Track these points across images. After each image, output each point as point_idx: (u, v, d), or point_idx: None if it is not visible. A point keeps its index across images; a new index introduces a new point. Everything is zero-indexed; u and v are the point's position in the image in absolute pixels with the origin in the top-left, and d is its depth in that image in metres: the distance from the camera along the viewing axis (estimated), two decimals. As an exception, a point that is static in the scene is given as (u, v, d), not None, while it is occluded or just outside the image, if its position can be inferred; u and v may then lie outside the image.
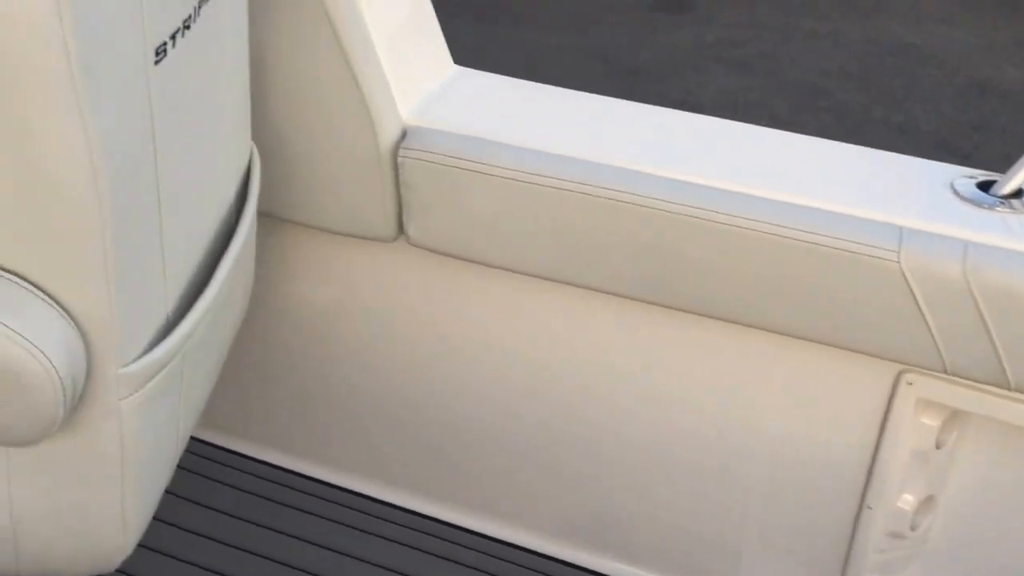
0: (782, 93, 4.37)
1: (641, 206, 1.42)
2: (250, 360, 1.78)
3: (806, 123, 4.13)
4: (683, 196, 1.41)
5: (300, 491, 1.81)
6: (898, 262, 1.33)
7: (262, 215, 1.53)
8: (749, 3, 5.03)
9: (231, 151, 1.33)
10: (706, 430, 1.59)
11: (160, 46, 1.04)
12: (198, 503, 1.74)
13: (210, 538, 1.70)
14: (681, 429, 1.60)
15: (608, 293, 1.51)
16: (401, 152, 1.50)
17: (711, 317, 1.47)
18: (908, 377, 1.44)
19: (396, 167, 1.52)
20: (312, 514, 1.77)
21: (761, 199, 1.40)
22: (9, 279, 1.01)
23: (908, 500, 1.52)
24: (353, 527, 1.75)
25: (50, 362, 1.00)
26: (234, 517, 1.74)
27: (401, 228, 1.58)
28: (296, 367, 1.78)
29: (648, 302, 1.49)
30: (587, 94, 1.64)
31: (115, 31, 0.96)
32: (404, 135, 1.52)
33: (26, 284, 1.01)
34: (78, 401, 1.07)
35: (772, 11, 4.97)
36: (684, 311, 1.48)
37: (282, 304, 1.74)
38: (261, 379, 1.81)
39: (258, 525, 1.73)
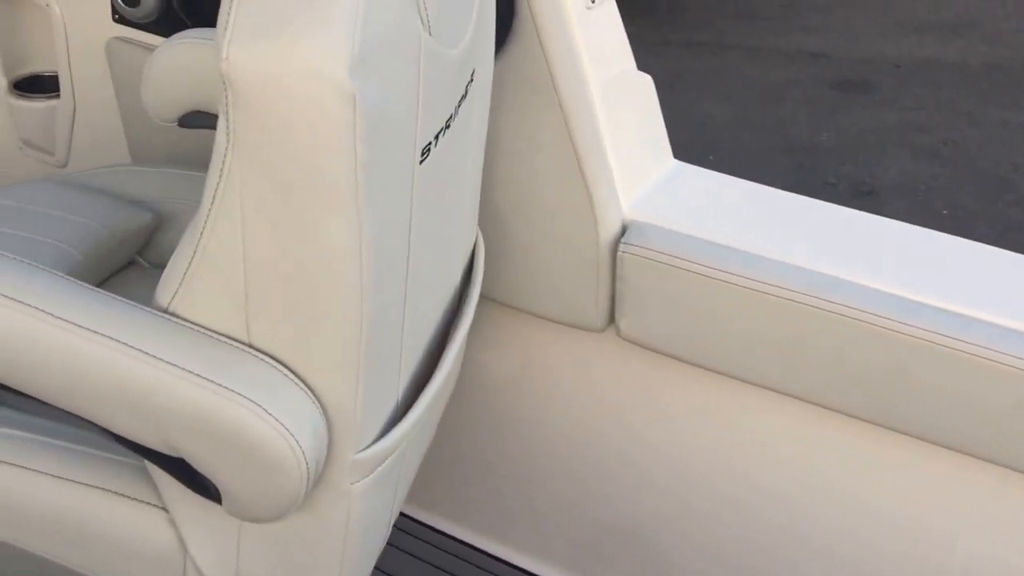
0: (968, 183, 4.25)
1: (863, 322, 1.39)
2: (447, 435, 1.80)
3: (992, 216, 4.01)
4: (916, 317, 1.37)
5: (482, 568, 1.81)
6: None
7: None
8: (935, 85, 4.92)
9: (463, 238, 1.35)
10: (930, 565, 1.53)
11: (426, 147, 1.08)
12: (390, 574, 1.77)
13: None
14: (897, 563, 1.54)
15: (818, 406, 1.48)
16: (621, 247, 1.50)
17: (942, 446, 1.42)
18: None
19: (614, 260, 1.52)
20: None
21: (1004, 328, 1.34)
22: (269, 363, 1.05)
23: None
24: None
25: (299, 445, 1.04)
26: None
27: (610, 320, 1.57)
28: (490, 444, 1.79)
29: (863, 420, 1.45)
30: (804, 198, 1.61)
31: (394, 137, 1.00)
32: (625, 229, 1.53)
33: (283, 368, 1.05)
34: (315, 483, 1.09)
35: (959, 96, 4.85)
36: (909, 436, 1.43)
37: (483, 382, 1.75)
38: (454, 453, 1.83)
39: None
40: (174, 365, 1.04)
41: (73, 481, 1.20)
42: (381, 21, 0.95)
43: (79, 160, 2.10)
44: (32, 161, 2.16)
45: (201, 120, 1.61)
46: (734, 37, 5.34)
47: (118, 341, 1.05)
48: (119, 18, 1.88)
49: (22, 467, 1.20)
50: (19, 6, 2.04)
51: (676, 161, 1.67)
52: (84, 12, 1.93)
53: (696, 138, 4.27)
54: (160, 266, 1.66)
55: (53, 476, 1.20)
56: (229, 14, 0.93)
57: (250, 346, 1.06)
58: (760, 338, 1.46)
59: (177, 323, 1.07)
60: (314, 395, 1.06)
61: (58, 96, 2.06)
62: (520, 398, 1.74)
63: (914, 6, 5.64)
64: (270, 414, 1.03)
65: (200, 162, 1.90)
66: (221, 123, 0.97)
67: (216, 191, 0.99)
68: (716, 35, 5.34)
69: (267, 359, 1.05)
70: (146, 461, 1.17)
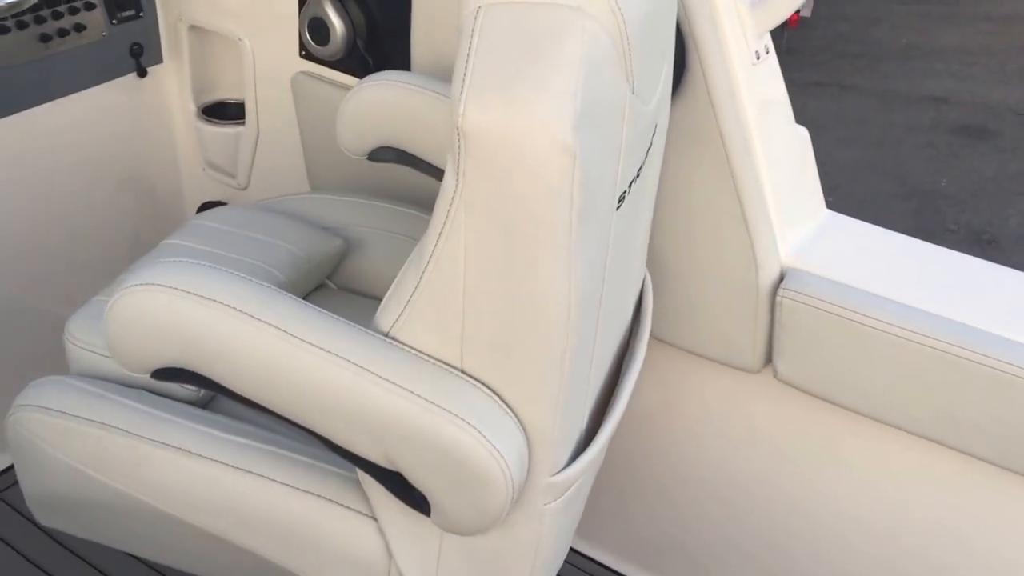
0: (1092, 235, 4.24)
1: (1018, 377, 1.44)
2: (605, 464, 1.89)
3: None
4: None
5: None
6: None
7: None
8: (1059, 134, 4.91)
9: (637, 277, 1.45)
10: None
11: (622, 194, 1.18)
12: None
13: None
14: None
15: (970, 456, 1.53)
16: (781, 293, 1.58)
17: None
18: None
19: (773, 305, 1.60)
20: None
21: None
22: (480, 388, 1.15)
23: None
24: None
25: (507, 466, 1.14)
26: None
27: (766, 361, 1.66)
28: (645, 474, 1.88)
29: (1019, 473, 1.50)
30: (954, 252, 1.67)
31: (601, 186, 1.10)
32: (783, 276, 1.60)
33: (492, 394, 1.15)
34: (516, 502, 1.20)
35: (1085, 147, 4.84)
36: None
37: (638, 414, 1.85)
38: (611, 484, 1.92)
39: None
40: (399, 386, 1.14)
41: (291, 487, 1.31)
42: (597, 82, 1.04)
43: (258, 182, 2.26)
44: (214, 182, 2.32)
45: (386, 155, 1.74)
46: (854, 79, 5.37)
47: (349, 361, 1.16)
48: (306, 54, 2.02)
49: (246, 471, 1.32)
50: (212, 39, 2.20)
51: (828, 211, 1.75)
52: (273, 48, 2.08)
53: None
54: (347, 289, 1.79)
55: (274, 481, 1.32)
56: (465, 74, 1.02)
57: (462, 372, 1.16)
58: (914, 387, 1.52)
59: (399, 347, 1.18)
60: (519, 420, 1.17)
61: (243, 123, 2.22)
62: (674, 432, 1.83)
63: (1035, 54, 5.64)
64: (484, 436, 1.13)
65: (376, 191, 2.04)
66: (450, 170, 1.06)
67: (442, 230, 1.09)
68: (836, 76, 5.39)
69: (479, 385, 1.15)
70: (359, 472, 1.28)
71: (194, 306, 1.20)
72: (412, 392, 1.14)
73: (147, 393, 1.44)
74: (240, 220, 1.74)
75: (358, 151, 1.74)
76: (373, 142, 1.72)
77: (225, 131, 2.24)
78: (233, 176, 2.28)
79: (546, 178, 1.02)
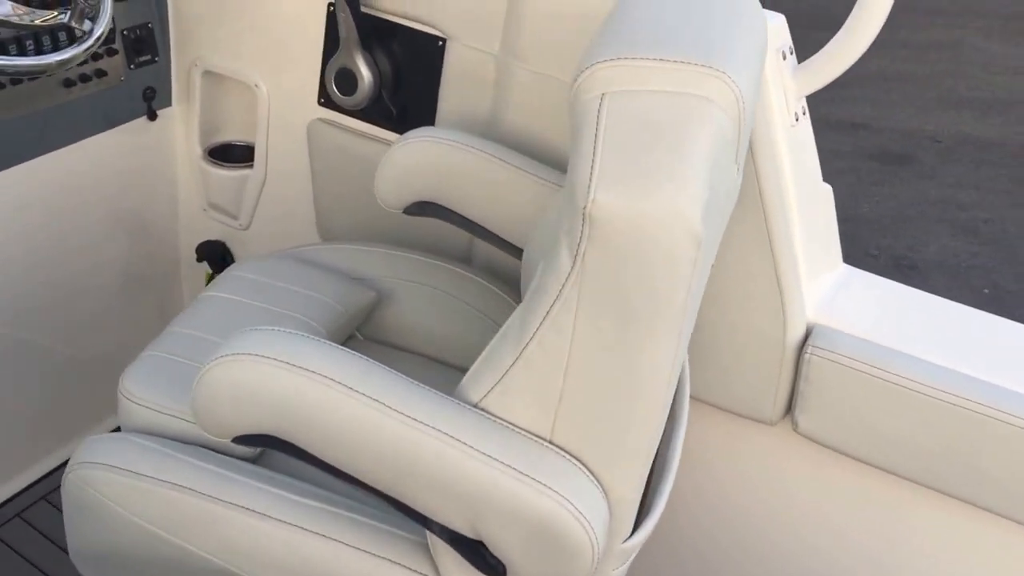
0: (1009, 263, 4.42)
1: None
2: None
3: (1032, 297, 4.18)
4: None
5: None
6: None
7: None
8: (974, 163, 5.08)
9: None
10: None
11: (713, 264, 1.24)
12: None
13: None
14: None
15: (993, 513, 1.59)
16: (809, 350, 1.63)
17: None
18: None
19: (799, 361, 1.66)
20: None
21: None
22: (569, 459, 1.19)
23: None
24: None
25: (594, 535, 1.18)
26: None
27: (785, 414, 1.72)
28: (666, 524, 1.92)
29: None
30: (973, 309, 1.74)
31: (709, 261, 1.16)
32: (809, 332, 1.67)
33: (580, 464, 1.19)
34: None
35: (999, 174, 4.99)
36: None
37: None
38: None
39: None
40: (493, 458, 1.17)
41: (362, 550, 1.33)
42: (718, 169, 1.10)
43: (260, 224, 2.27)
44: (213, 222, 2.32)
45: (425, 210, 1.78)
46: (778, 104, 5.51)
47: (443, 432, 1.18)
48: (325, 102, 2.05)
49: (318, 533, 1.34)
50: (223, 83, 2.21)
51: (845, 265, 1.83)
52: (291, 94, 2.10)
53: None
54: (375, 340, 1.81)
55: (346, 544, 1.33)
56: (594, 161, 1.05)
57: (551, 442, 1.19)
58: (938, 443, 1.59)
59: (491, 420, 1.20)
60: (602, 488, 1.20)
61: (249, 166, 2.23)
62: (693, 480, 1.88)
63: (954, 82, 5.85)
64: (576, 507, 1.16)
65: (387, 240, 2.07)
66: (566, 251, 1.09)
67: (551, 308, 1.12)
68: (760, 101, 5.52)
69: (567, 455, 1.19)
70: (428, 536, 1.30)
71: (291, 376, 1.21)
72: (506, 464, 1.17)
73: (205, 450, 1.46)
74: (275, 271, 1.76)
75: (396, 205, 1.77)
76: (412, 197, 1.76)
77: (232, 174, 2.25)
78: (235, 217, 2.29)
79: (673, 265, 1.06)
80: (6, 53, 1.82)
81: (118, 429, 2.31)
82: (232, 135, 2.29)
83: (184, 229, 2.37)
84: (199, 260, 2.33)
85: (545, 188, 1.69)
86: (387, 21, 1.92)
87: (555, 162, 1.79)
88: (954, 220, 4.68)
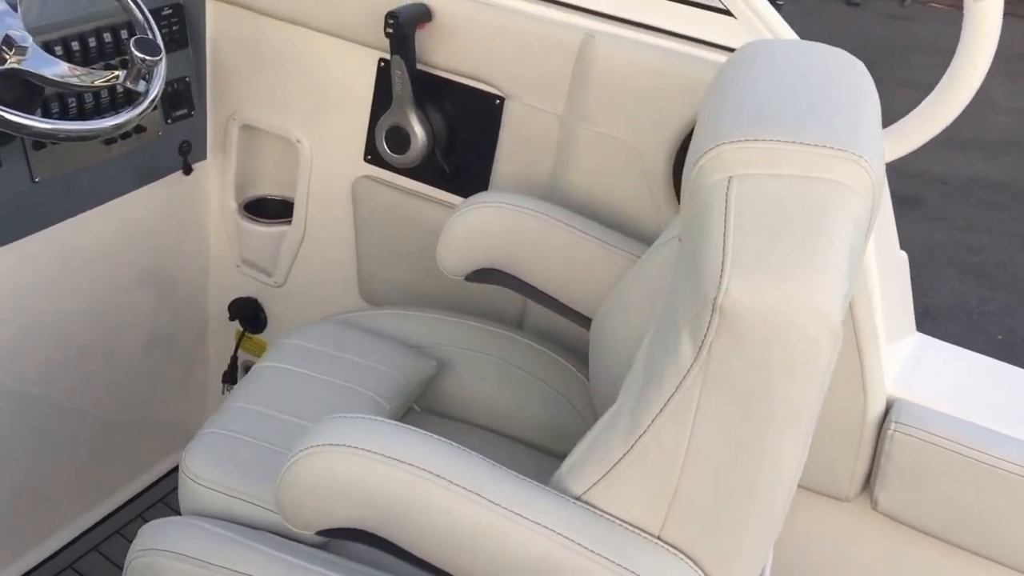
0: (1022, 308, 4.41)
1: None
2: None
3: (1049, 344, 4.15)
4: None
5: None
6: None
7: None
8: (983, 205, 5.07)
9: None
10: None
11: None
12: None
13: None
14: None
15: None
16: (892, 426, 1.58)
17: None
18: None
19: (879, 436, 1.61)
20: None
21: None
22: (677, 555, 1.13)
23: None
24: None
25: None
26: None
27: (862, 490, 1.66)
28: None
29: None
30: None
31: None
32: (889, 406, 1.61)
33: (688, 560, 1.13)
34: None
35: (1008, 217, 4.98)
36: None
37: None
38: None
39: None
40: (600, 555, 1.11)
41: None
42: (855, 257, 1.04)
43: (296, 281, 2.19)
44: (246, 278, 2.24)
45: (488, 277, 1.71)
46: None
47: (547, 528, 1.12)
48: (372, 159, 1.98)
49: None
50: (260, 137, 2.13)
51: (918, 333, 1.78)
52: (336, 150, 2.03)
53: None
54: (433, 412, 1.74)
55: None
56: (725, 248, 1.00)
57: (659, 539, 1.13)
58: (1018, 521, 1.54)
59: (597, 514, 1.14)
60: None
61: (286, 221, 2.15)
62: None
63: (959, 124, 5.84)
64: None
65: (435, 302, 2.00)
66: (688, 340, 1.03)
67: (669, 400, 1.06)
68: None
69: (677, 552, 1.13)
70: None
71: (386, 469, 1.16)
72: (615, 563, 1.11)
73: (276, 536, 1.39)
74: (330, 339, 1.69)
75: (458, 272, 1.71)
76: (475, 264, 1.70)
77: (269, 231, 2.17)
78: (270, 274, 2.21)
79: (808, 362, 1.01)
80: (48, 110, 1.74)
81: (147, 492, 2.26)
82: (268, 189, 2.22)
83: (215, 285, 2.29)
84: (231, 318, 2.25)
85: (614, 255, 1.63)
86: (442, 78, 1.85)
87: (620, 226, 1.74)
88: (965, 264, 4.66)
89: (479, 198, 1.69)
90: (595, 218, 1.74)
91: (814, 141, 1.06)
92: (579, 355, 1.79)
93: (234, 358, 2.30)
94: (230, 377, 2.31)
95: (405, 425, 1.21)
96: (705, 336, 1.01)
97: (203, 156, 2.13)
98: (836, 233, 1.01)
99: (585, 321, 1.66)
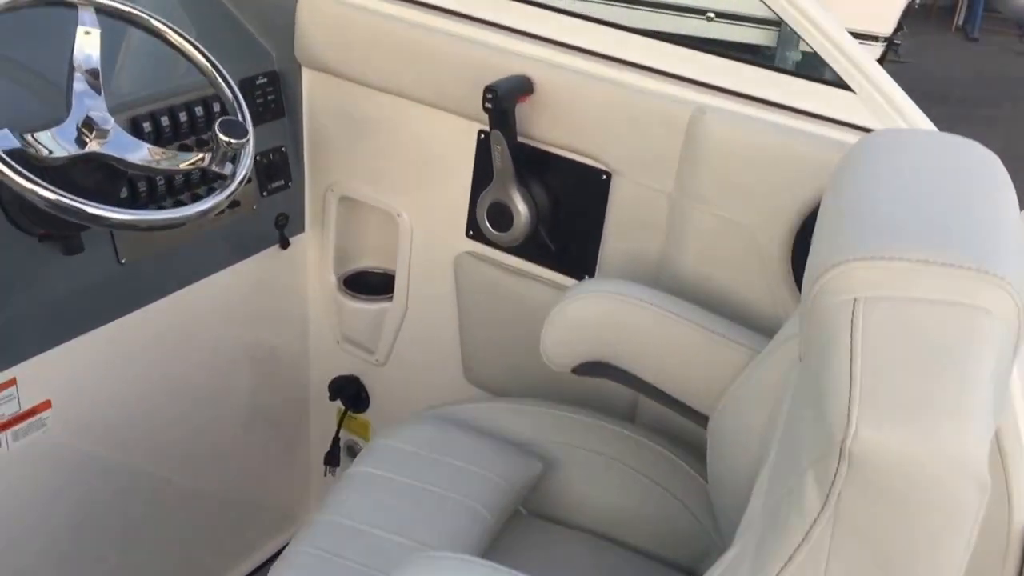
0: None
1: None
2: None
3: None
4: None
5: None
6: None
7: None
8: None
9: None
10: None
11: None
12: None
13: None
14: None
15: None
16: None
17: None
18: None
19: None
20: None
21: None
22: None
23: None
24: None
25: None
26: None
27: None
28: None
29: None
30: None
31: None
32: None
33: None
34: None
35: None
36: None
37: None
38: None
39: None
40: None
41: None
42: (1001, 394, 0.93)
43: (399, 361, 2.09)
44: (347, 355, 2.16)
45: (595, 370, 1.58)
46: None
47: None
48: (474, 234, 1.87)
49: None
50: (360, 209, 2.05)
51: None
52: (437, 225, 1.93)
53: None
54: (540, 515, 1.62)
55: None
56: (852, 383, 0.89)
57: None
58: None
59: None
60: None
61: (387, 297, 2.06)
62: None
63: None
64: None
65: (543, 390, 1.87)
66: (814, 487, 0.92)
67: (795, 553, 0.94)
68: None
69: None
70: None
71: None
72: None
73: None
74: (427, 440, 1.58)
75: (563, 365, 1.59)
76: (582, 357, 1.57)
77: (370, 308, 2.08)
78: (371, 352, 2.12)
79: (953, 518, 0.88)
80: (134, 188, 1.68)
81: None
82: (368, 262, 2.13)
83: (316, 362, 2.21)
84: (332, 398, 2.16)
85: (731, 350, 1.49)
86: (545, 151, 1.73)
87: (734, 313, 1.59)
88: None
89: (585, 287, 1.56)
90: (707, 303, 1.60)
91: (952, 261, 0.93)
92: (696, 451, 1.65)
93: (336, 438, 2.21)
94: (332, 459, 2.22)
95: (495, 567, 1.11)
96: (833, 483, 0.90)
97: (300, 229, 2.05)
98: (979, 370, 0.89)
99: (701, 418, 1.53)
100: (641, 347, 1.53)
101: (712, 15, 4.97)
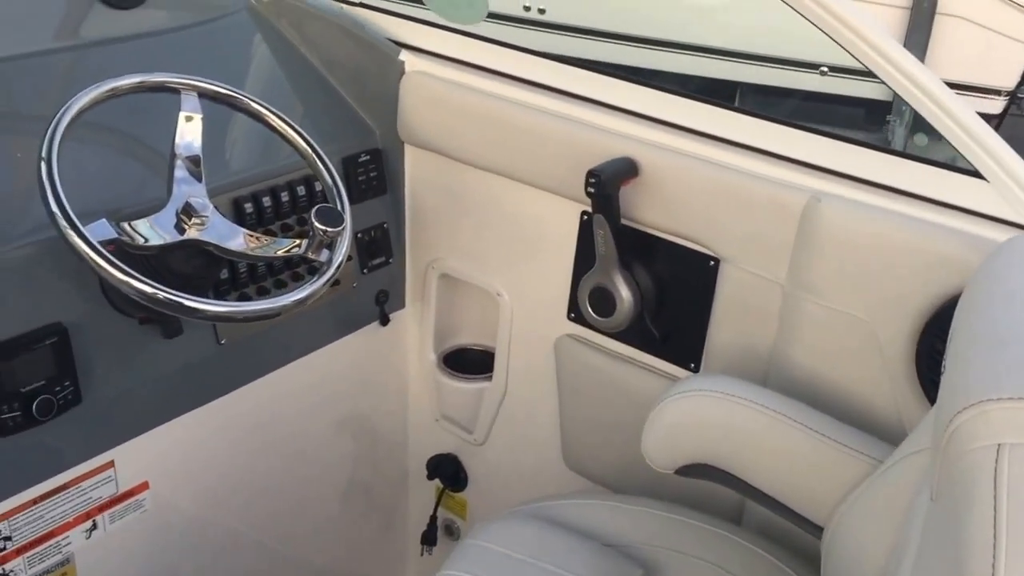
0: None
1: None
2: None
3: None
4: None
5: None
6: None
7: None
8: None
9: None
10: None
11: None
12: None
13: None
14: None
15: None
16: None
17: None
18: None
19: None
20: None
21: None
22: None
23: None
24: None
25: None
26: None
27: None
28: None
29: None
30: None
31: None
32: None
33: None
34: None
35: None
36: None
37: None
38: None
39: None
40: None
41: None
42: None
43: (497, 442, 2.04)
44: (446, 434, 2.11)
45: (699, 472, 1.51)
46: None
47: None
48: (575, 317, 1.82)
49: None
50: (460, 286, 2.01)
51: None
52: (537, 307, 1.88)
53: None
54: None
55: None
56: (998, 543, 0.81)
57: None
58: None
59: None
60: None
61: (487, 376, 2.01)
62: None
63: None
64: None
65: (645, 482, 1.80)
66: None
67: None
68: None
69: None
70: None
71: None
72: None
73: None
74: (519, 541, 1.52)
75: (666, 467, 1.51)
76: (686, 459, 1.49)
77: (469, 387, 2.03)
78: (470, 431, 2.07)
79: None
80: (235, 271, 1.66)
81: None
82: (468, 339, 2.09)
83: (414, 439, 2.17)
84: (430, 476, 2.12)
85: (849, 459, 1.39)
86: (650, 235, 1.67)
87: (851, 417, 1.50)
88: None
89: (689, 384, 1.49)
90: (820, 402, 1.51)
91: None
92: (806, 558, 1.56)
93: (433, 517, 2.17)
94: (429, 538, 2.17)
95: None
96: None
97: (400, 305, 2.02)
98: None
99: (815, 527, 1.43)
100: (750, 451, 1.45)
101: (826, 69, 4.85)
